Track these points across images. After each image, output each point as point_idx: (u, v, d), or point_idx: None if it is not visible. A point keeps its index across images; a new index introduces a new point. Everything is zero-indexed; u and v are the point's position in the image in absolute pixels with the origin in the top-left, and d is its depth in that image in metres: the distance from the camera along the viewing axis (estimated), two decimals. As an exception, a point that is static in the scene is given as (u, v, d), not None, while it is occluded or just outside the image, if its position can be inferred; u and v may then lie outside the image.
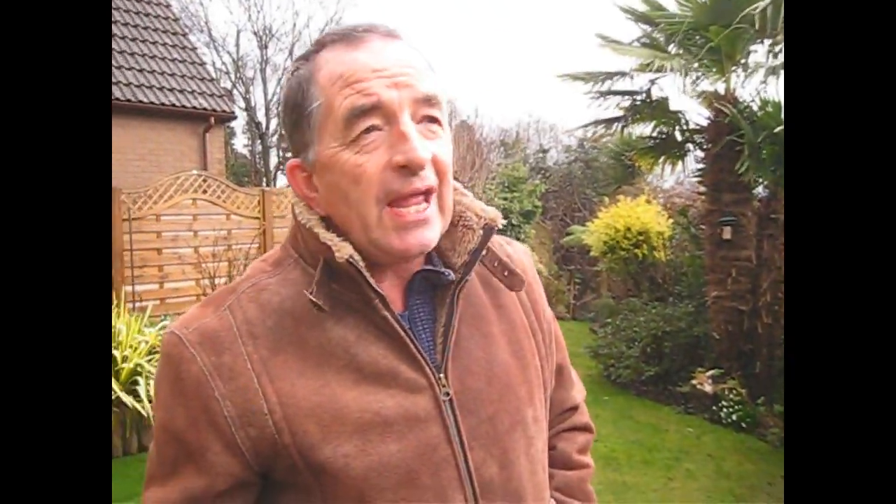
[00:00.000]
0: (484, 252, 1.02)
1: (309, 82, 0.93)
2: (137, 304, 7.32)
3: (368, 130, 0.89)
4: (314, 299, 0.90)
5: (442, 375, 0.97)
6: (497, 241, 1.10)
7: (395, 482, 0.91)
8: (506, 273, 1.06)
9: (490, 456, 0.98)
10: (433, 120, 0.94)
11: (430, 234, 0.94)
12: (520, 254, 1.17)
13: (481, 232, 1.01)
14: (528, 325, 1.13)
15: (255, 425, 0.90)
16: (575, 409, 1.33)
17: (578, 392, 1.35)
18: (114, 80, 11.20)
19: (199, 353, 0.91)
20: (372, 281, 0.92)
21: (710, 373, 6.64)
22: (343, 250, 0.90)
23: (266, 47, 26.56)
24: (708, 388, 6.49)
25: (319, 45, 0.95)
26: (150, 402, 5.13)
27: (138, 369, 5.29)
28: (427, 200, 0.93)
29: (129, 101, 11.13)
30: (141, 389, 5.14)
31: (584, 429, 1.34)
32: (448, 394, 0.96)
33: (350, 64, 0.90)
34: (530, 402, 1.06)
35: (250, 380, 0.90)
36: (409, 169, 0.89)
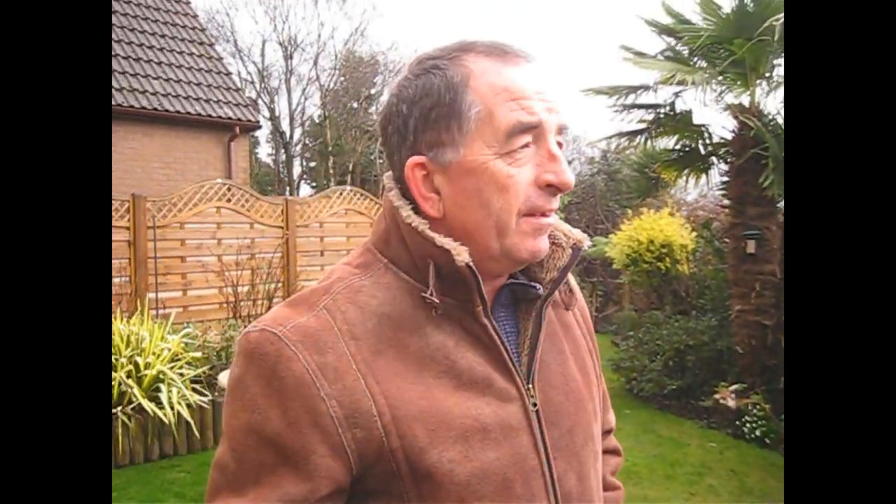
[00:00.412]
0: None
1: (463, 85, 0.93)
2: (161, 311, 7.39)
3: (524, 146, 0.93)
4: (434, 300, 0.92)
5: (530, 386, 1.00)
6: None
7: (493, 489, 0.92)
8: (568, 292, 1.12)
9: (570, 468, 1.02)
10: (560, 146, 0.98)
11: (547, 243, 1.00)
12: (570, 275, 1.20)
13: (570, 251, 1.05)
14: (587, 344, 1.18)
15: (363, 427, 0.88)
16: (610, 431, 1.38)
17: (612, 416, 1.38)
18: (140, 88, 11.35)
19: (300, 351, 0.89)
20: (483, 288, 0.94)
21: (733, 387, 6.57)
22: (463, 255, 0.91)
23: (291, 57, 26.84)
24: (731, 402, 6.42)
25: (463, 50, 0.96)
26: (171, 408, 5.17)
27: (160, 376, 5.33)
28: (549, 215, 0.98)
29: (155, 109, 11.27)
30: (163, 396, 5.18)
31: (616, 452, 1.39)
32: (535, 404, 0.99)
33: (515, 80, 0.94)
34: (596, 419, 1.11)
35: (357, 380, 0.89)
36: (554, 188, 0.95)
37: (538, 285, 1.04)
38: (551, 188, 0.95)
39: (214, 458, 0.94)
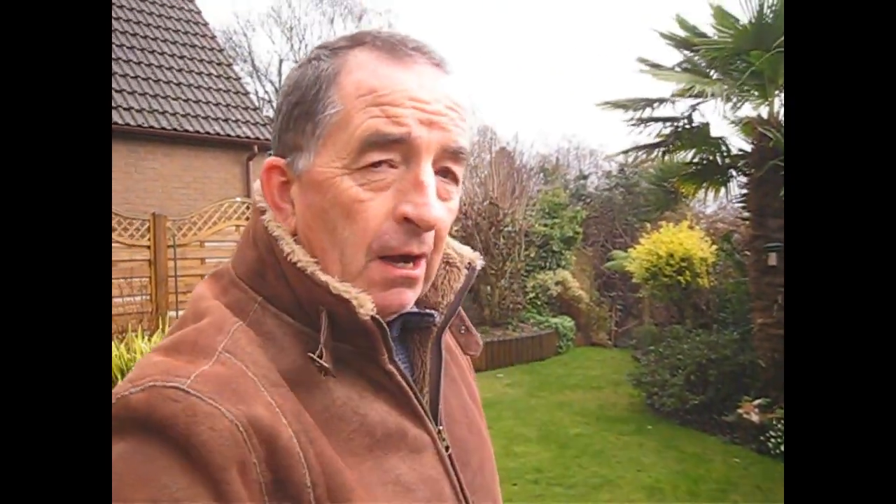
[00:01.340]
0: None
1: (330, 81, 0.77)
2: (181, 330, 7.42)
3: (381, 164, 0.75)
4: (325, 364, 0.73)
5: (440, 428, 0.85)
6: None
7: None
8: (462, 329, 0.97)
9: None
10: (454, 178, 0.81)
11: (412, 297, 0.81)
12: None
13: (465, 271, 0.91)
14: (463, 360, 1.04)
15: (292, 499, 0.69)
16: None
17: None
18: (160, 109, 11.48)
19: (221, 403, 0.67)
20: (391, 336, 0.78)
21: (756, 402, 6.49)
22: (367, 305, 0.74)
23: (308, 77, 27.04)
24: (755, 417, 6.34)
25: (355, 42, 0.79)
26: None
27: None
28: (418, 263, 0.80)
29: (175, 130, 11.39)
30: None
31: None
32: (448, 447, 0.85)
33: (388, 80, 0.76)
34: (491, 448, 0.99)
35: (291, 440, 0.70)
36: (414, 226, 0.76)
37: (433, 312, 0.88)
38: (409, 224, 0.76)
39: None
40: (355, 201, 0.75)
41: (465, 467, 0.87)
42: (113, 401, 0.68)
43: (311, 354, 0.73)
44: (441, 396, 0.87)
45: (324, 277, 0.76)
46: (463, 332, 0.97)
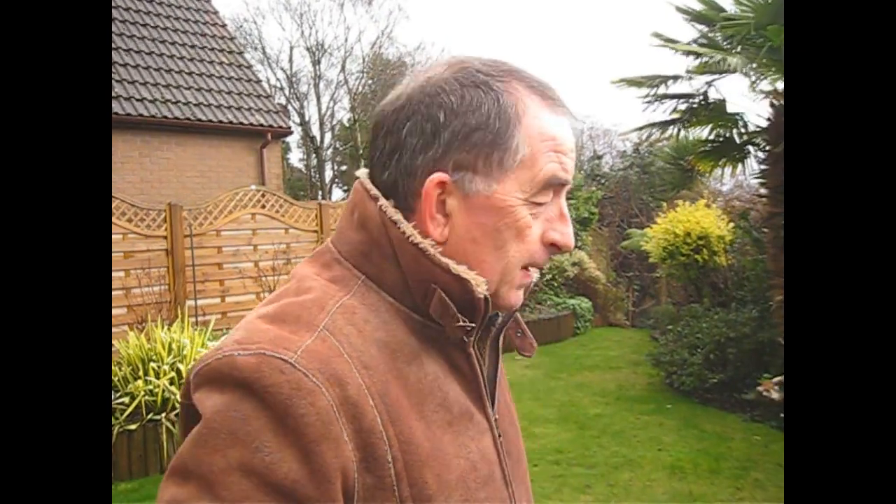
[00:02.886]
0: None
1: (516, 120, 0.87)
2: (200, 318, 7.48)
3: (547, 201, 0.90)
4: (468, 325, 0.85)
5: (497, 417, 0.96)
6: None
7: None
8: (519, 332, 1.06)
9: (523, 497, 1.00)
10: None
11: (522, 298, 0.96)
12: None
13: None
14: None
15: (375, 473, 0.77)
16: None
17: None
18: (173, 99, 11.51)
19: (322, 383, 0.75)
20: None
21: (776, 379, 6.46)
22: (482, 286, 0.85)
23: (319, 62, 27.02)
24: (775, 395, 6.31)
25: (513, 76, 0.90)
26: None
27: (202, 382, 5.39)
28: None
29: (188, 119, 11.41)
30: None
31: None
32: (500, 434, 0.95)
33: (560, 132, 0.90)
34: (523, 445, 1.09)
35: (374, 419, 0.77)
36: (557, 249, 0.92)
37: (498, 313, 0.98)
38: (553, 247, 0.91)
39: None
40: (527, 227, 0.88)
41: (508, 456, 0.96)
42: (217, 355, 0.76)
43: (459, 321, 0.84)
44: (498, 390, 0.99)
45: (443, 259, 0.85)
46: (519, 335, 1.06)
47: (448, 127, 0.86)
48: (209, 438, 0.72)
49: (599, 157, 17.79)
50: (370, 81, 27.46)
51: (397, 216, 0.87)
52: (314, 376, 0.74)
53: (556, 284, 12.18)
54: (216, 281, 8.20)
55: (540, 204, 0.89)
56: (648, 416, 6.70)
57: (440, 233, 0.88)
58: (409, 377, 0.84)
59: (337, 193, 29.12)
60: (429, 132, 0.87)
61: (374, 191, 0.90)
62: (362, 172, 0.94)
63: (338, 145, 29.65)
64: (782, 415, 6.06)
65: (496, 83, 0.88)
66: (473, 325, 0.86)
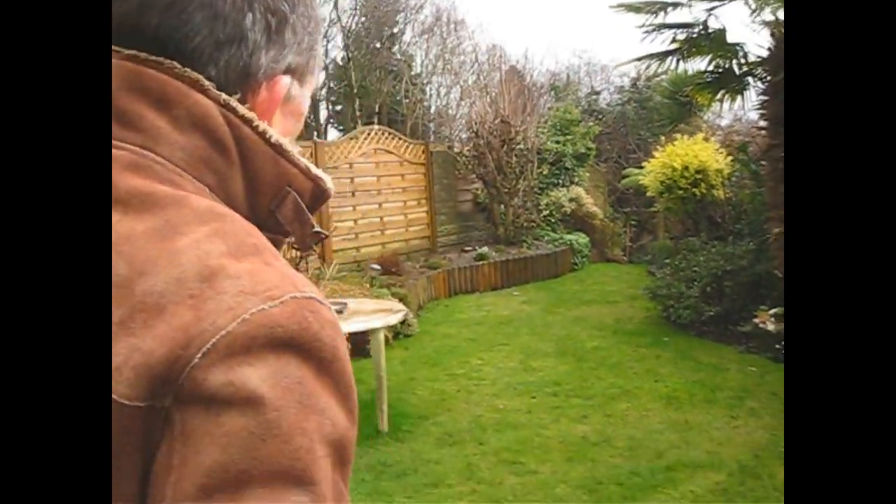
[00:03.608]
0: None
1: (320, 23, 0.83)
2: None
3: None
4: (325, 232, 0.81)
5: None
6: None
7: None
8: None
9: None
10: None
11: None
12: None
13: None
14: None
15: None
16: None
17: None
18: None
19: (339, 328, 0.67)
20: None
21: (772, 311, 6.51)
22: (330, 181, 0.80)
23: None
24: (771, 326, 6.37)
25: None
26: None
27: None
28: None
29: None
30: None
31: None
32: None
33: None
34: None
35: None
36: None
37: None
38: None
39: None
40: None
41: None
42: (237, 319, 0.58)
43: (318, 228, 0.78)
44: None
45: (297, 157, 0.76)
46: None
47: (290, 24, 0.77)
48: (280, 422, 0.56)
49: (597, 93, 17.58)
50: (363, 19, 26.95)
51: (251, 113, 0.74)
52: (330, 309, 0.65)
53: (553, 220, 12.17)
54: (213, 221, 8.16)
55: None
56: (645, 349, 6.77)
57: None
58: None
59: (332, 133, 28.81)
60: (273, 28, 0.76)
61: (207, 83, 0.73)
62: (169, 62, 0.72)
63: (332, 84, 29.30)
64: (778, 346, 6.12)
65: None
66: (326, 232, 0.83)
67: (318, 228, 0.79)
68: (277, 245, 0.75)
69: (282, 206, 0.76)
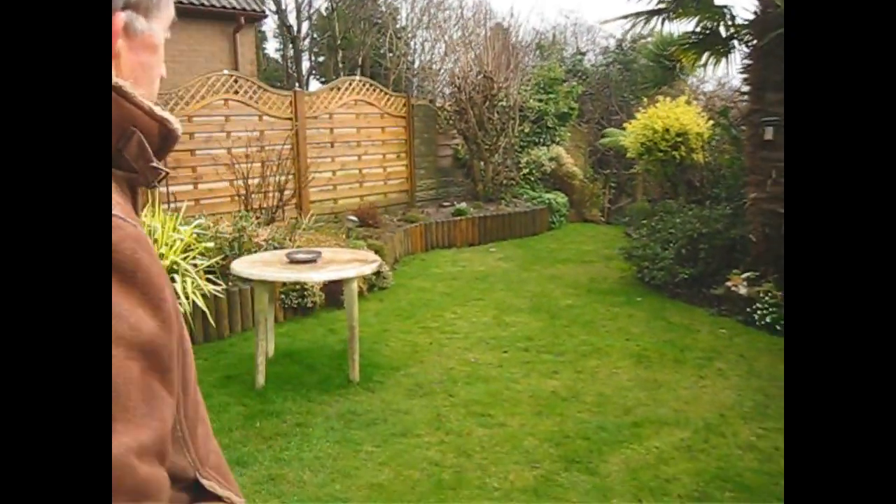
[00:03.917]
0: None
1: None
2: (173, 205, 7.38)
3: None
4: (162, 169, 0.88)
5: None
6: None
7: None
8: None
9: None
10: None
11: None
12: None
13: None
14: None
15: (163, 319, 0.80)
16: None
17: None
18: (142, -23, 11.02)
19: (142, 229, 0.80)
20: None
21: (745, 275, 6.57)
22: (177, 122, 0.89)
23: (295, -54, 25.85)
24: (743, 290, 6.43)
25: None
26: (186, 298, 5.23)
27: (174, 267, 5.37)
28: None
29: None
30: (178, 286, 5.24)
31: None
32: None
33: None
34: None
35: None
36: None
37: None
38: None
39: None
40: (162, 62, 0.96)
41: None
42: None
43: (156, 164, 0.86)
44: None
45: (143, 100, 0.84)
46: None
47: None
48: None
49: (582, 54, 17.42)
50: (349, -32, 26.45)
51: None
52: (134, 223, 0.75)
53: (532, 179, 12.15)
54: (188, 167, 8.06)
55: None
56: (618, 308, 6.82)
57: (114, 74, 0.85)
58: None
59: (314, 84, 28.45)
60: None
61: None
62: None
63: (315, 35, 28.80)
64: (749, 309, 6.19)
65: None
66: (165, 169, 0.90)
67: (156, 164, 0.86)
68: (134, 183, 0.86)
69: (128, 146, 0.83)
